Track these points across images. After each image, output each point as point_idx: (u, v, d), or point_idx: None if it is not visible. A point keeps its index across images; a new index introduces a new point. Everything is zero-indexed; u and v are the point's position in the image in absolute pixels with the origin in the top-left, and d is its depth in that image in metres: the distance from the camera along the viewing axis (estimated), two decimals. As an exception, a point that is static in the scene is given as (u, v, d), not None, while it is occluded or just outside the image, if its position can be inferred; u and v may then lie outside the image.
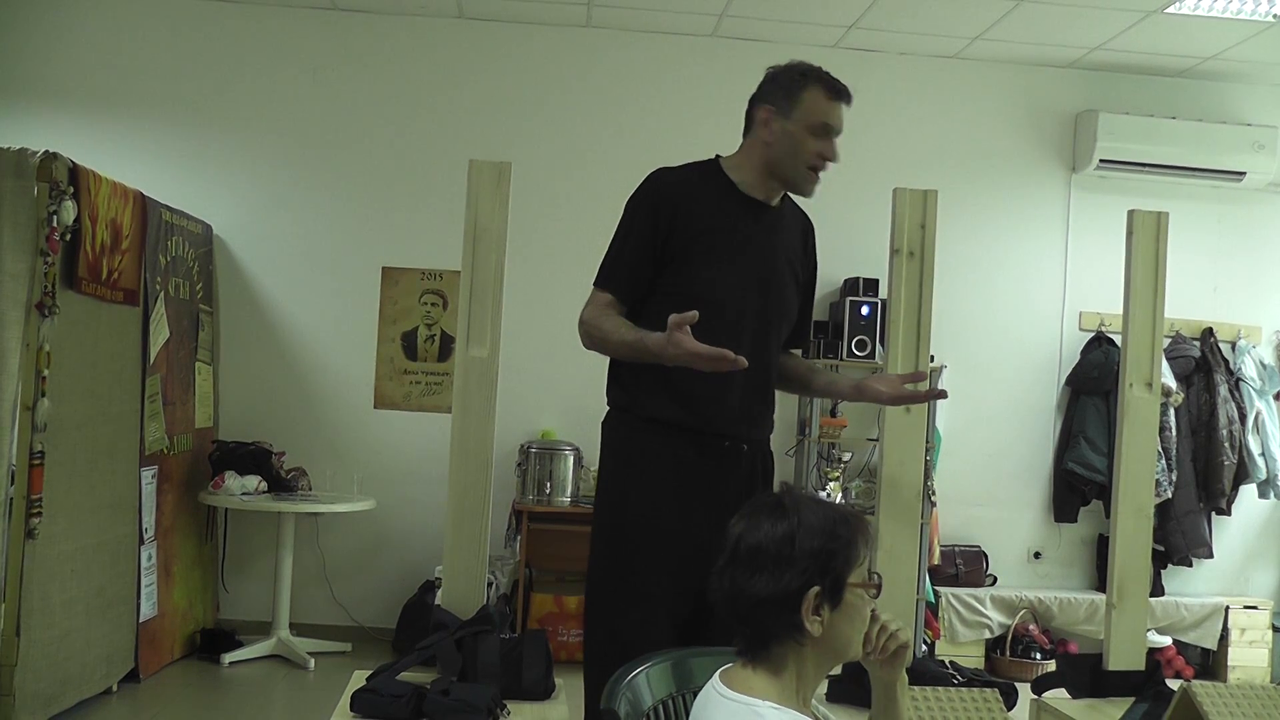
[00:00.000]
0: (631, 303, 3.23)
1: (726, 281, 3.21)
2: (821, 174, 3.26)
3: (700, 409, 3.18)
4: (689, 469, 3.18)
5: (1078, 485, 7.41)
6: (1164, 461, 7.07)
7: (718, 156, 3.35)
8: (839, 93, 3.23)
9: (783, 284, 3.32)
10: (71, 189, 5.10)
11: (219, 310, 7.17)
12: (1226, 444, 7.31)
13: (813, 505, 2.12)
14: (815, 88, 3.21)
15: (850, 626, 2.10)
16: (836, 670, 3.23)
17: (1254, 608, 7.47)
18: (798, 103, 3.20)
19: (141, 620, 5.95)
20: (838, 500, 7.07)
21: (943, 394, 3.48)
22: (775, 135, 3.21)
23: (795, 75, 3.23)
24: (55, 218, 4.99)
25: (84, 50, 7.18)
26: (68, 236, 5.10)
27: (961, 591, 7.21)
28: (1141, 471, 4.01)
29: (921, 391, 3.41)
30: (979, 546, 7.46)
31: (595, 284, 3.28)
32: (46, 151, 5.04)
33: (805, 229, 3.46)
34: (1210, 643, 7.38)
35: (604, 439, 3.36)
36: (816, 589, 2.04)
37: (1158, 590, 7.27)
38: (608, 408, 3.36)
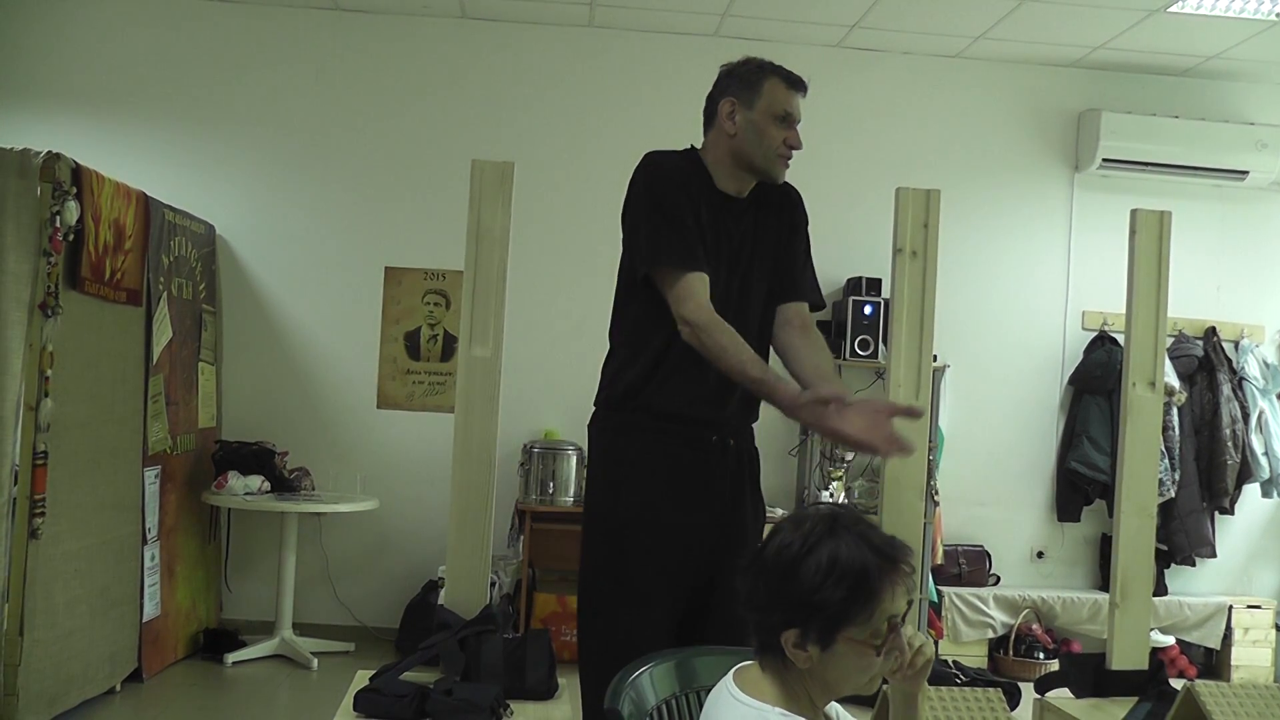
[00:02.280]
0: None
1: (713, 280, 3.17)
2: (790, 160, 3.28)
3: (680, 396, 3.15)
4: (680, 466, 3.17)
5: (1080, 484, 7.40)
6: (1167, 461, 7.07)
7: (693, 147, 3.35)
8: (795, 83, 3.26)
9: (754, 275, 3.28)
10: (74, 189, 5.11)
11: (222, 310, 7.18)
12: (1230, 443, 7.30)
13: (848, 542, 1.98)
14: (773, 78, 3.24)
15: (838, 670, 2.00)
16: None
17: (1257, 607, 7.46)
18: (759, 93, 3.22)
19: (145, 620, 5.96)
20: (840, 499, 7.07)
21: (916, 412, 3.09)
22: (740, 126, 3.22)
23: (753, 68, 3.27)
24: (58, 218, 5.00)
25: (87, 51, 7.19)
26: (71, 237, 5.10)
27: (964, 591, 7.20)
28: (1144, 471, 4.01)
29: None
30: (982, 546, 7.46)
31: (679, 266, 3.08)
32: (50, 152, 5.04)
33: (780, 202, 3.39)
34: (1214, 642, 7.38)
35: (592, 440, 3.35)
36: (796, 631, 1.98)
37: (1161, 590, 7.26)
38: (594, 408, 3.34)
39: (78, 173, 5.16)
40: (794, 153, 3.28)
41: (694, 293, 3.07)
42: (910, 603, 2.04)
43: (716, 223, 3.23)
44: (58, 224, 4.99)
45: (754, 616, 2.06)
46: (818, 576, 1.96)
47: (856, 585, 1.96)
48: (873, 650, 1.98)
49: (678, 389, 3.16)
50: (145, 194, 5.97)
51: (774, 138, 3.21)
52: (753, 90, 3.23)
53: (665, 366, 3.15)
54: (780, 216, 3.39)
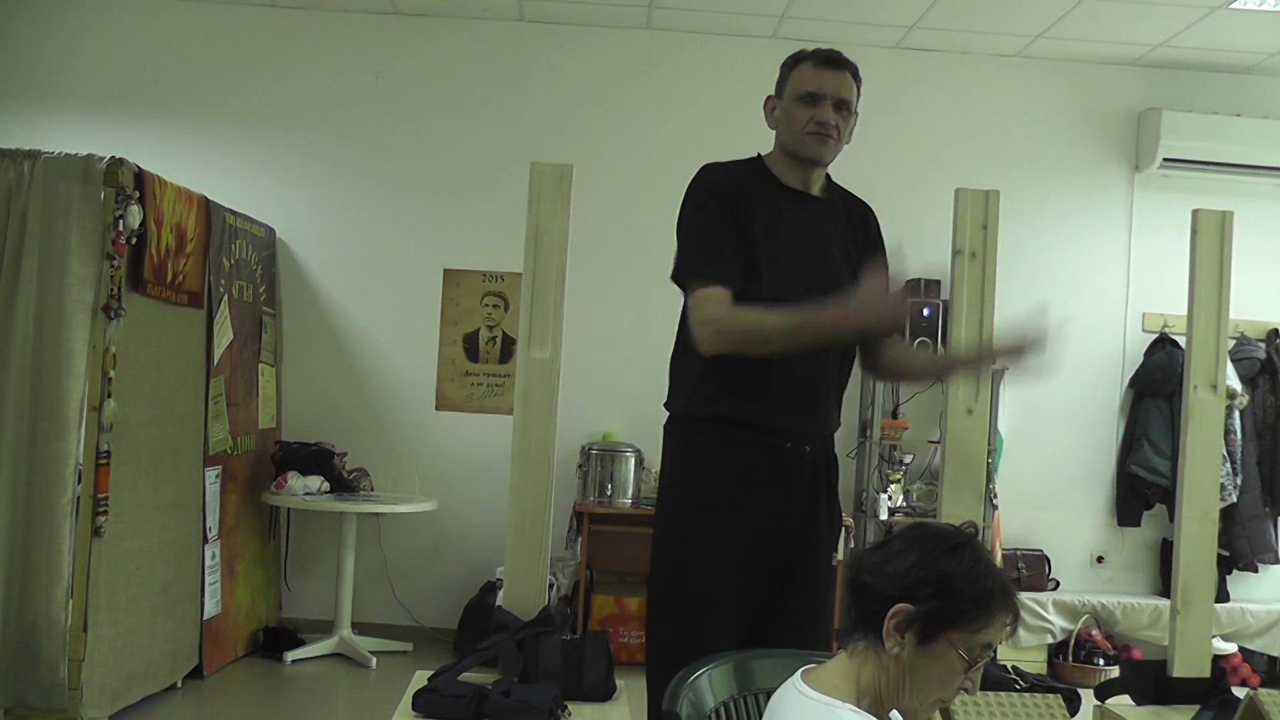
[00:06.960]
0: (741, 290, 3.12)
1: (782, 280, 3.17)
2: (830, 138, 3.19)
3: (756, 402, 3.13)
4: (752, 471, 3.15)
5: (1141, 489, 7.32)
6: (1229, 465, 6.98)
7: (759, 154, 3.36)
8: (824, 60, 3.24)
9: (833, 274, 3.23)
10: (137, 193, 5.17)
11: (282, 312, 7.24)
12: (1293, 447, 7.22)
13: (987, 562, 2.03)
14: (802, 64, 3.26)
15: (922, 671, 2.01)
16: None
17: (1322, 614, 7.35)
18: (787, 82, 3.27)
19: (205, 617, 6.03)
20: (898, 501, 7.05)
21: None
22: (778, 119, 3.29)
23: (788, 61, 3.31)
24: (121, 221, 5.06)
25: (149, 57, 7.28)
26: (133, 240, 5.17)
27: (1023, 595, 7.09)
28: (1206, 475, 3.97)
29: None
30: (1041, 550, 7.39)
31: (702, 280, 3.12)
32: (113, 157, 5.11)
33: (863, 215, 3.41)
34: (1277, 650, 7.27)
35: (665, 445, 3.33)
36: (907, 608, 1.98)
37: (1223, 596, 7.18)
38: (668, 413, 3.34)
39: (140, 177, 5.23)
40: (833, 133, 3.19)
41: (710, 299, 3.09)
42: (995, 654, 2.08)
43: (783, 215, 3.23)
44: (120, 228, 5.06)
45: (871, 580, 2.05)
46: (973, 565, 2.00)
47: (986, 595, 2.00)
48: (962, 665, 2.00)
49: (747, 396, 3.13)
50: (206, 198, 6.03)
51: (799, 118, 3.20)
52: (784, 81, 3.29)
53: (732, 372, 3.12)
54: (860, 230, 3.37)
